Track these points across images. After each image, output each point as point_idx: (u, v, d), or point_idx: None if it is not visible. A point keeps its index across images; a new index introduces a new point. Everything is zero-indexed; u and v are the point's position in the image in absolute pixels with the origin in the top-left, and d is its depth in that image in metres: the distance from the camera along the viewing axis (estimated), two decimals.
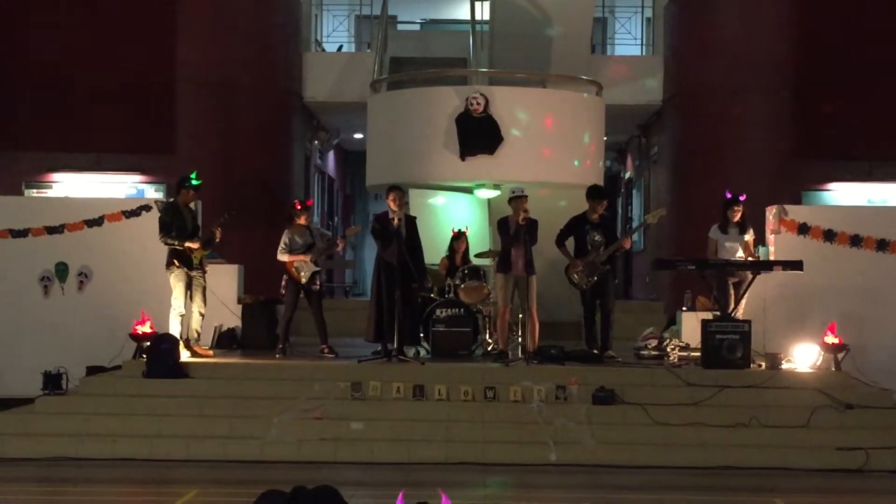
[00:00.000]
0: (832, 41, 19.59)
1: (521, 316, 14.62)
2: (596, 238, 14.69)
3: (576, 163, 17.49)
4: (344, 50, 24.96)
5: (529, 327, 14.31)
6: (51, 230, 16.25)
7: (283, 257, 14.96)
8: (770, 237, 15.92)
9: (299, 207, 15.32)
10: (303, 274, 14.90)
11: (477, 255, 16.38)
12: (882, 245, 15.58)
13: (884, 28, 19.56)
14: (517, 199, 14.36)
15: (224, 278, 16.15)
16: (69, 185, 19.98)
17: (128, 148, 19.77)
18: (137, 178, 20.09)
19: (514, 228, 14.29)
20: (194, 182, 14.83)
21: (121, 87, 19.71)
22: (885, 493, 11.46)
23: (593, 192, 15.04)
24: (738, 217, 14.95)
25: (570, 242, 14.91)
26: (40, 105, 19.82)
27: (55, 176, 20.06)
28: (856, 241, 15.62)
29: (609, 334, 14.85)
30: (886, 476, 12.11)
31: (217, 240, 14.79)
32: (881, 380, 14.07)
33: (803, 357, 14.38)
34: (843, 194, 19.91)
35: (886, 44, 19.49)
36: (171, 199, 15.39)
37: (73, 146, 19.86)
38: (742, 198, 15.03)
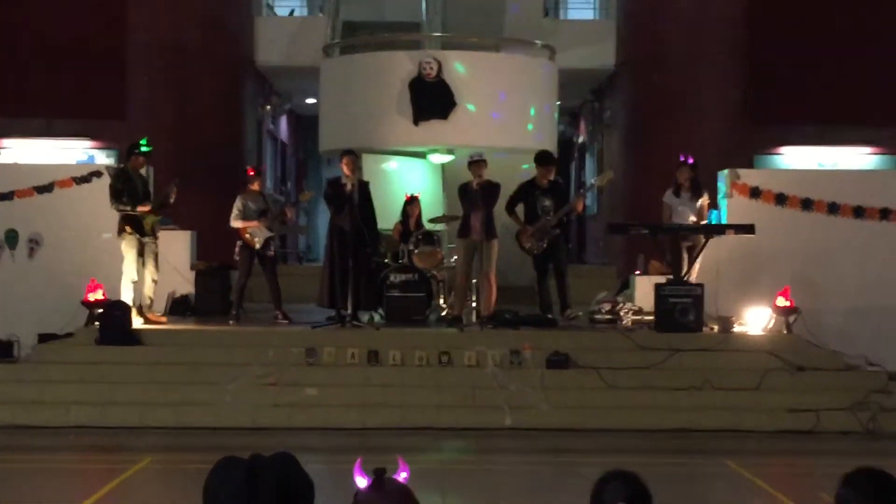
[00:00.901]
0: (784, 6, 19.64)
1: (474, 281, 14.64)
2: (546, 203, 14.71)
3: (529, 127, 17.48)
4: (296, 14, 24.80)
5: (486, 292, 14.33)
6: (0, 197, 16.07)
7: (236, 223, 14.88)
8: (723, 201, 16.00)
9: (252, 173, 15.26)
10: (257, 240, 14.83)
11: (431, 221, 16.36)
12: (833, 208, 15.67)
13: None
14: (475, 164, 14.37)
15: (177, 244, 16.06)
16: (18, 151, 19.78)
17: (78, 113, 19.57)
18: (88, 143, 19.92)
19: (471, 193, 14.31)
20: (144, 148, 14.70)
21: (70, 52, 19.50)
22: (836, 453, 11.57)
23: (542, 158, 15.06)
24: (683, 179, 14.99)
25: (521, 209, 14.93)
26: None
27: (4, 142, 19.86)
28: (807, 204, 15.70)
29: (567, 294, 14.93)
30: (837, 437, 12.26)
31: (171, 201, 14.67)
32: (832, 342, 14.19)
33: (755, 320, 14.50)
34: (795, 158, 20.03)
35: (837, 9, 19.56)
36: (122, 165, 15.26)
37: (22, 112, 19.64)
38: (690, 160, 15.07)
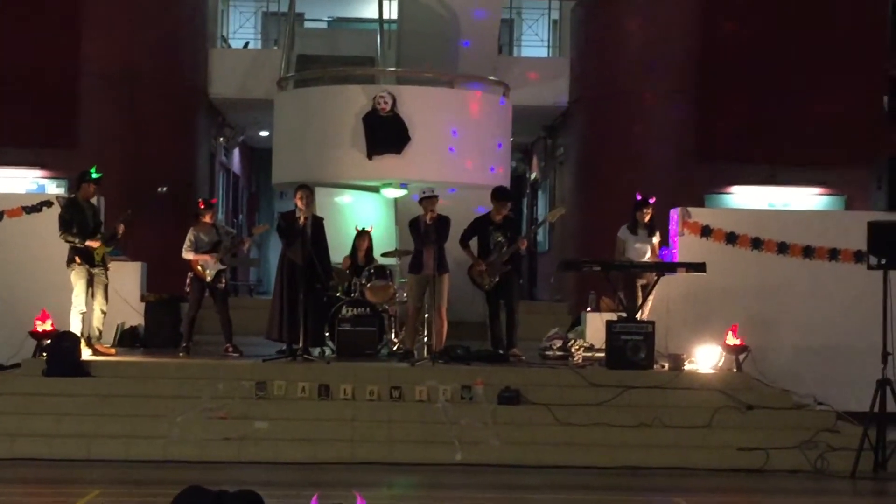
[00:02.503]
0: (734, 45, 19.84)
1: (426, 316, 14.64)
2: (499, 239, 14.75)
3: (481, 162, 17.51)
4: (250, 46, 24.76)
5: (437, 327, 14.33)
6: None
7: (188, 255, 14.82)
8: (673, 239, 16.09)
9: (203, 206, 15.22)
10: (208, 272, 14.78)
11: (383, 255, 16.35)
12: (783, 248, 15.82)
13: (785, 33, 19.83)
14: (427, 199, 14.42)
15: (127, 275, 15.97)
16: None
17: (28, 142, 19.42)
18: (38, 172, 19.76)
19: (423, 228, 14.33)
20: (94, 176, 14.61)
21: (21, 80, 19.35)
22: (785, 492, 11.63)
23: (498, 194, 15.11)
24: (647, 218, 15.13)
25: (474, 243, 14.95)
26: None
27: None
28: (757, 243, 15.84)
29: (514, 333, 14.92)
30: (786, 475, 12.28)
31: (119, 236, 14.60)
32: (781, 381, 14.27)
33: (705, 358, 14.55)
34: (745, 197, 20.19)
35: (787, 48, 19.76)
36: (72, 195, 15.15)
37: None
38: (652, 200, 15.22)
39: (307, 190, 14.61)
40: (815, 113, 19.57)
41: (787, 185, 19.99)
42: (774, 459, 12.42)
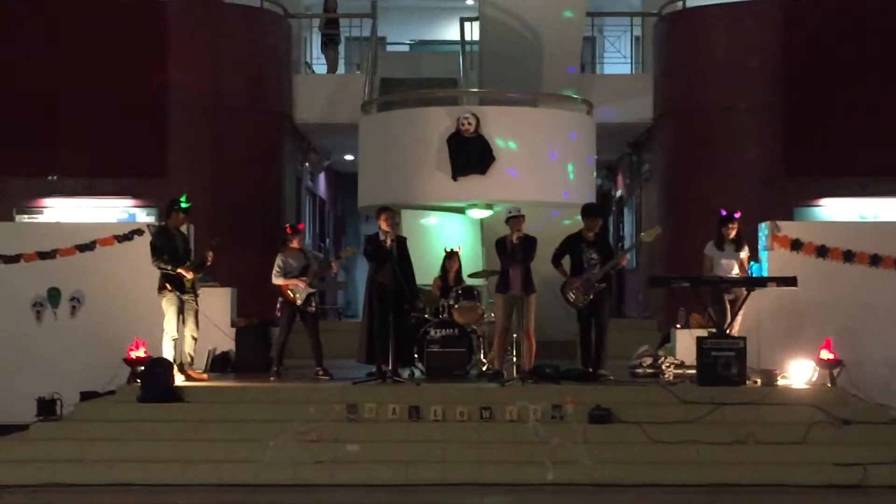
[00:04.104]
0: (822, 56, 19.61)
1: (514, 336, 14.62)
2: (592, 256, 14.68)
3: (570, 180, 17.49)
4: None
5: (526, 346, 14.31)
6: (42, 255, 16.21)
7: (277, 280, 14.96)
8: (763, 254, 15.93)
9: (290, 232, 15.34)
10: (298, 296, 14.90)
11: (470, 276, 16.37)
12: (875, 260, 15.61)
13: (874, 42, 19.59)
14: (513, 219, 14.45)
15: (217, 301, 16.13)
16: (60, 211, 19.92)
17: (119, 172, 19.70)
18: (129, 202, 20.03)
19: (510, 248, 14.34)
20: (184, 205, 14.81)
21: (111, 111, 19.65)
22: None
23: (588, 211, 15.05)
24: (733, 234, 14.99)
25: (566, 262, 14.90)
26: (30, 130, 19.74)
27: (46, 201, 19.99)
28: (848, 256, 15.65)
29: (602, 353, 14.82)
30: (885, 491, 12.07)
31: (209, 263, 14.76)
32: (877, 395, 14.08)
33: (799, 373, 14.38)
34: (835, 210, 19.92)
35: (876, 58, 19.51)
36: (163, 223, 15.34)
37: (63, 171, 19.80)
38: (737, 215, 15.08)
39: (390, 212, 14.70)
40: None
41: (877, 197, 19.69)
42: (872, 475, 12.21)
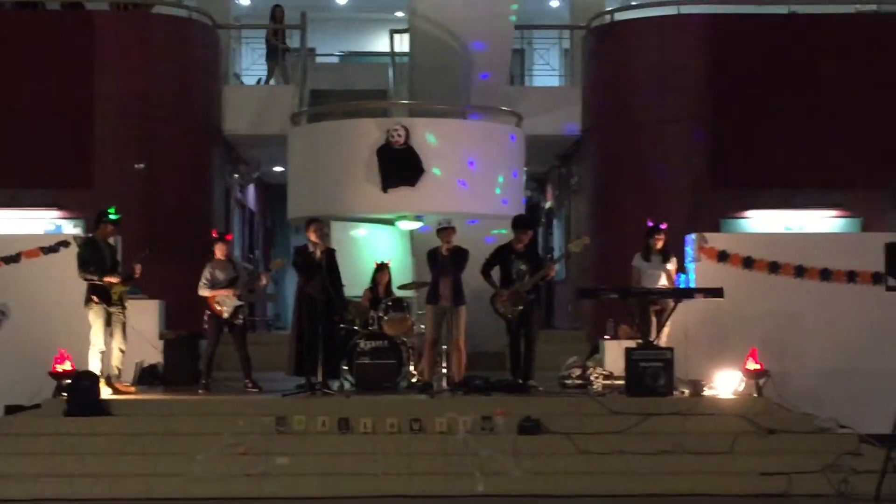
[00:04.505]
0: (748, 69, 19.83)
1: (444, 347, 14.63)
2: (521, 267, 14.73)
3: (497, 192, 17.55)
4: (263, 83, 24.87)
5: (455, 358, 14.34)
6: None
7: (204, 292, 14.86)
8: (690, 265, 16.08)
9: (215, 235, 15.25)
10: (225, 308, 14.81)
11: (400, 287, 16.37)
12: (800, 271, 15.80)
13: (799, 57, 19.83)
14: (444, 231, 14.49)
15: (145, 314, 16.00)
16: None
17: (45, 183, 19.48)
18: (55, 213, 19.82)
19: (440, 259, 14.36)
20: (112, 217, 14.70)
21: (37, 122, 19.45)
22: None
23: (519, 222, 15.10)
24: (660, 245, 15.14)
25: (496, 273, 14.94)
26: None
27: None
28: (774, 267, 15.83)
29: (532, 364, 14.86)
30: (809, 500, 12.20)
31: (137, 275, 14.63)
32: (802, 404, 14.21)
33: (725, 383, 14.52)
34: (761, 222, 20.14)
35: (801, 72, 19.76)
36: (90, 235, 15.21)
37: None
38: (663, 226, 15.23)
39: (319, 223, 14.69)
40: (830, 135, 19.52)
41: (802, 209, 19.92)
42: (797, 484, 12.34)
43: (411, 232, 18.09)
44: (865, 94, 19.64)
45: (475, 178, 17.32)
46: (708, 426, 13.35)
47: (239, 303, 14.91)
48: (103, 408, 13.58)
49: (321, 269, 14.26)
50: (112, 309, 14.46)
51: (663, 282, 15.12)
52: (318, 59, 26.79)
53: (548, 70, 25.30)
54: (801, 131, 19.56)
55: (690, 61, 20.07)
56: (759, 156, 19.63)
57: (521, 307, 14.66)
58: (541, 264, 15.07)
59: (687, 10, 20.54)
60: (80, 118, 19.59)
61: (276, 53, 23.32)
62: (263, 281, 15.66)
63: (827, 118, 19.59)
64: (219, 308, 14.82)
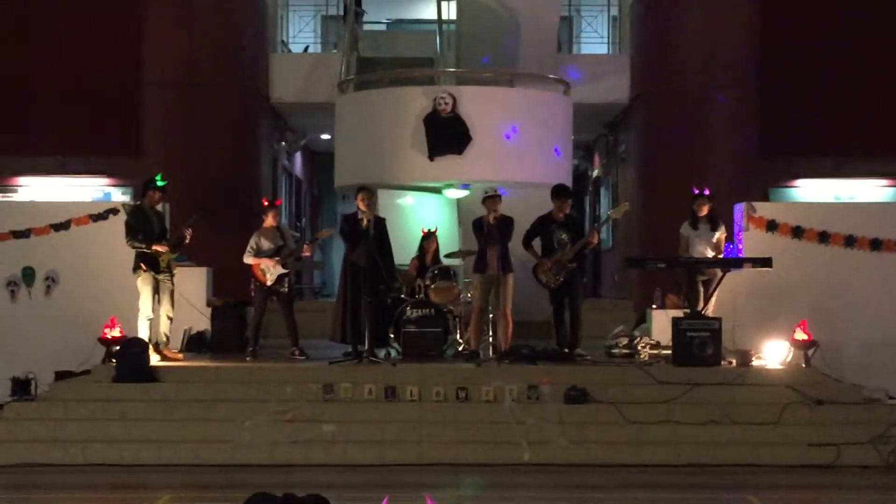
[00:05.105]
0: (797, 38, 19.64)
1: (491, 316, 14.61)
2: (562, 237, 14.67)
3: (543, 160, 17.48)
4: (310, 51, 24.87)
5: (502, 327, 14.31)
6: (17, 234, 16.09)
7: (248, 260, 14.89)
8: (738, 235, 15.97)
9: (266, 204, 15.27)
10: (268, 276, 14.82)
11: (447, 256, 16.36)
12: (850, 241, 15.64)
13: (850, 24, 19.62)
14: (490, 199, 14.40)
15: (193, 281, 16.06)
16: (35, 189, 19.82)
17: (94, 151, 19.63)
18: (104, 181, 19.97)
19: (486, 228, 14.31)
20: (160, 183, 14.75)
21: (86, 90, 19.59)
22: (856, 487, 11.50)
23: (558, 192, 15.03)
24: (704, 212, 15.00)
25: (537, 243, 14.89)
26: (4, 109, 19.64)
27: (20, 180, 19.91)
28: (824, 237, 15.67)
29: (578, 333, 14.83)
30: (857, 471, 12.16)
31: (187, 240, 14.69)
32: (851, 375, 14.13)
33: (773, 354, 14.42)
34: (810, 191, 19.99)
35: (852, 40, 19.55)
36: (138, 202, 15.27)
37: (38, 150, 19.71)
38: (706, 192, 15.08)
39: (368, 192, 14.65)
40: (880, 103, 19.32)
41: (852, 178, 19.75)
42: (845, 455, 12.29)
43: (458, 200, 18.05)
44: None
45: (522, 146, 17.24)
46: (756, 396, 13.30)
47: (283, 271, 14.91)
48: (151, 374, 13.68)
49: (367, 237, 14.25)
50: (160, 276, 14.52)
51: (709, 250, 14.99)
52: (366, 27, 26.73)
53: (596, 38, 25.13)
54: (852, 99, 19.39)
55: (739, 29, 19.88)
56: (810, 124, 19.49)
57: (562, 277, 14.60)
58: (582, 233, 14.99)
59: None
60: (128, 87, 19.70)
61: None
62: (306, 252, 15.64)
63: (877, 86, 19.39)
64: (262, 275, 14.84)
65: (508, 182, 16.64)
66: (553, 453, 12.38)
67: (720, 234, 15.10)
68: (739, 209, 15.94)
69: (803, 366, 14.12)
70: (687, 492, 11.34)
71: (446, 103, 16.67)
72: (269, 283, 14.85)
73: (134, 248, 14.44)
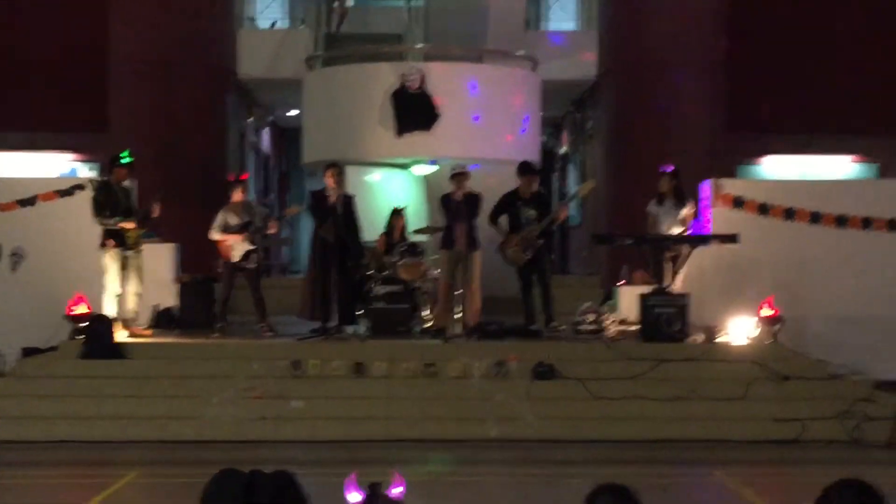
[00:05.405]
0: (765, 16, 19.69)
1: (458, 292, 14.62)
2: (529, 213, 14.69)
3: (511, 139, 17.50)
4: (277, 26, 24.77)
5: (470, 303, 14.34)
6: None
7: (214, 235, 14.84)
8: (705, 211, 16.02)
9: (233, 180, 15.22)
10: (234, 252, 14.77)
11: (415, 232, 16.35)
12: (815, 218, 15.70)
13: (818, 1, 19.69)
14: (458, 176, 14.42)
15: (160, 257, 15.99)
16: (1, 165, 19.69)
17: (60, 127, 19.52)
18: (70, 156, 19.85)
19: (454, 205, 14.32)
20: (126, 159, 14.64)
21: (53, 66, 19.48)
22: (821, 462, 11.58)
23: (524, 169, 15.05)
24: (665, 188, 15.02)
25: (504, 219, 14.90)
26: None
27: None
28: (790, 214, 15.73)
29: (551, 306, 14.87)
30: (822, 446, 12.26)
31: (156, 214, 14.61)
32: (816, 351, 14.21)
33: (740, 330, 14.49)
34: (777, 168, 20.07)
35: (819, 18, 19.62)
36: (105, 178, 15.19)
37: (4, 125, 19.57)
38: (668, 169, 15.11)
39: (337, 168, 14.62)
40: (847, 81, 19.42)
41: (819, 154, 19.83)
42: (810, 430, 12.39)
43: (426, 176, 18.05)
44: (885, 39, 19.50)
45: (489, 123, 17.25)
46: (722, 372, 13.38)
47: (250, 247, 14.86)
48: (119, 351, 13.65)
49: (335, 214, 14.23)
50: (127, 252, 14.45)
51: (676, 227, 15.03)
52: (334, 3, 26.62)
53: (564, 14, 25.12)
54: (820, 77, 19.46)
55: (707, 4, 19.89)
56: (777, 101, 19.55)
57: (529, 253, 14.63)
58: (549, 209, 15.01)
59: None
60: (95, 62, 19.56)
61: None
62: (273, 228, 15.61)
63: (845, 63, 19.48)
64: (227, 252, 14.78)
65: (476, 159, 16.66)
66: (521, 429, 12.43)
67: (687, 211, 15.15)
68: (706, 186, 15.99)
69: (769, 341, 14.21)
70: (654, 467, 11.41)
71: (414, 79, 16.64)
72: (234, 258, 14.80)
73: (101, 224, 14.36)
